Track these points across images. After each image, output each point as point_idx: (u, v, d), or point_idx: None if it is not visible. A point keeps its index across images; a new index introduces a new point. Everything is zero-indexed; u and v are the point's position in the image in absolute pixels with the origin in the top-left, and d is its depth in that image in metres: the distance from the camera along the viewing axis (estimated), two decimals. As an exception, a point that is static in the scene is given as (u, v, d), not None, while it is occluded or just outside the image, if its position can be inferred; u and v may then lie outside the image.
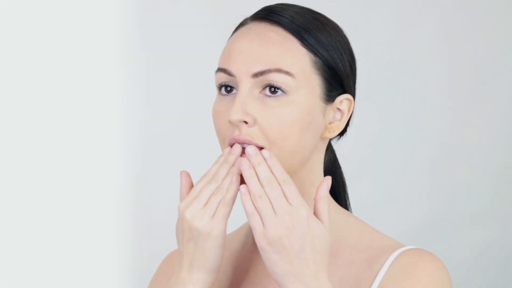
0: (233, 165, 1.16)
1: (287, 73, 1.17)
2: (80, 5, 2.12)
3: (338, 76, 1.21)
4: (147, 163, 2.25)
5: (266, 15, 1.22)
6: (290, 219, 1.11)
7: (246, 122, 1.17)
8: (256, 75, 1.17)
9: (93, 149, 2.17)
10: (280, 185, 1.13)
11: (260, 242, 1.11)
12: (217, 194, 1.15)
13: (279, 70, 1.17)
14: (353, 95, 1.24)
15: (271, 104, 1.17)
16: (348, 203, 1.34)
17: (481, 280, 2.60)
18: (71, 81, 2.13)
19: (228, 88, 1.20)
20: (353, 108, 1.24)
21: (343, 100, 1.23)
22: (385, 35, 2.47)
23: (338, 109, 1.23)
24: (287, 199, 1.12)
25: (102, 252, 2.19)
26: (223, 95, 1.20)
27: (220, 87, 1.21)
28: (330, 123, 1.23)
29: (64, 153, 2.14)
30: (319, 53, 1.20)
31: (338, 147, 1.31)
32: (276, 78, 1.17)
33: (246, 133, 1.17)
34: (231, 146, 1.18)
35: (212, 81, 1.24)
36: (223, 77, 1.20)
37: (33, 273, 2.13)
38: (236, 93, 1.19)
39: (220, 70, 1.20)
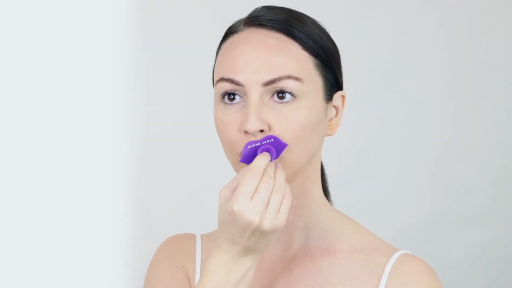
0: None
1: (296, 79, 1.18)
2: (81, 6, 2.13)
3: (335, 74, 1.23)
4: (147, 162, 2.25)
5: (260, 21, 1.21)
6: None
7: (261, 131, 1.17)
8: (267, 83, 1.17)
9: (94, 148, 2.17)
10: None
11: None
12: (278, 192, 1.14)
13: (289, 77, 1.18)
14: (342, 89, 1.27)
15: (283, 110, 1.18)
16: (330, 201, 1.35)
17: (481, 280, 2.60)
18: (72, 81, 2.14)
19: (231, 96, 1.19)
20: (345, 103, 1.26)
21: (338, 97, 1.25)
22: (385, 35, 2.47)
23: (334, 106, 1.25)
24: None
25: (103, 251, 2.20)
26: (226, 103, 1.19)
27: (224, 95, 1.19)
28: (330, 121, 1.25)
29: (65, 152, 2.14)
30: (319, 55, 1.21)
31: (338, 147, 1.32)
32: (286, 85, 1.17)
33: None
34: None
35: (210, 80, 1.23)
36: (228, 87, 1.19)
37: (34, 272, 2.13)
38: (243, 102, 1.19)
39: (224, 80, 1.19)
